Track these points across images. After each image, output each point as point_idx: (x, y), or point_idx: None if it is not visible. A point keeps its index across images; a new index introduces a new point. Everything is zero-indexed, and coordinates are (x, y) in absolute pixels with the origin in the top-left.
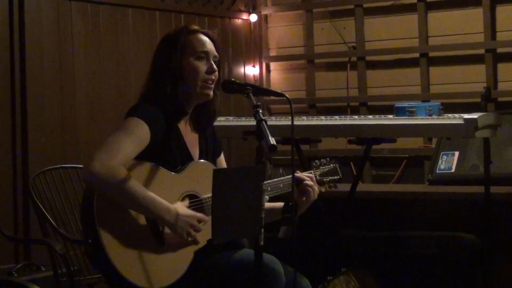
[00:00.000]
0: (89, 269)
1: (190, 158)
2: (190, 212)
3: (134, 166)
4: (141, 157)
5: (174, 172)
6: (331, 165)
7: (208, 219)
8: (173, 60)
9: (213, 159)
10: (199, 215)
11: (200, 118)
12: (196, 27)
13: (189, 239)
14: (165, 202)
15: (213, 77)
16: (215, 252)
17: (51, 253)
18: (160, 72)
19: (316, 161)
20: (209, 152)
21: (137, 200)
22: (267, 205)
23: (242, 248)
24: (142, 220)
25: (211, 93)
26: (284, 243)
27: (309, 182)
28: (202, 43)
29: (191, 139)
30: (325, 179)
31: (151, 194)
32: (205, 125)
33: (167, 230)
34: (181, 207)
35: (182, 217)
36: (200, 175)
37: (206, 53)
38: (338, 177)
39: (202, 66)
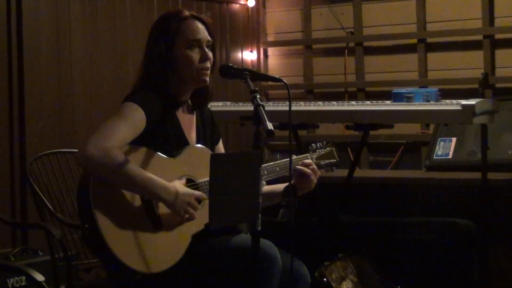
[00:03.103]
0: (87, 254)
1: (186, 143)
2: (188, 189)
3: (129, 151)
4: (137, 142)
5: (170, 157)
6: (328, 148)
7: (206, 198)
8: (163, 50)
9: (211, 146)
10: (197, 193)
11: (195, 99)
12: (187, 13)
13: (186, 216)
14: (162, 181)
15: (208, 65)
16: (212, 237)
17: (49, 238)
18: (152, 61)
19: (313, 144)
20: (207, 138)
21: (134, 180)
22: (268, 187)
23: (240, 233)
24: (138, 204)
25: (208, 79)
26: (282, 228)
27: (308, 171)
28: (194, 30)
29: (188, 124)
30: (321, 163)
31: (148, 173)
32: (200, 105)
33: (163, 214)
34: (179, 185)
35: (180, 195)
36: (196, 160)
37: (198, 41)
38: (335, 160)
39: (195, 55)
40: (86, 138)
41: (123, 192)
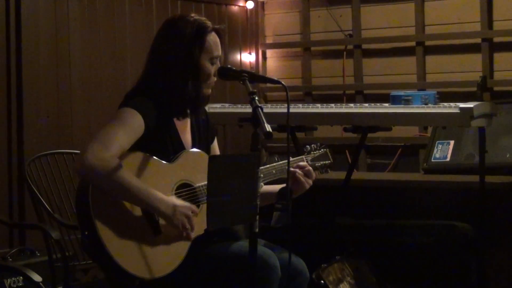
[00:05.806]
0: (84, 255)
1: (182, 147)
2: (186, 203)
3: (127, 156)
4: (134, 147)
5: (167, 162)
6: (322, 150)
7: (201, 210)
8: (194, 58)
9: (206, 146)
10: (193, 207)
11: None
12: (212, 25)
13: (184, 230)
14: (160, 194)
15: (215, 79)
16: (212, 243)
17: (46, 239)
18: (177, 65)
19: (307, 146)
20: (202, 139)
21: (132, 193)
22: (263, 188)
23: (239, 240)
24: (138, 210)
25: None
26: (279, 230)
27: (301, 177)
28: (217, 45)
29: (183, 127)
30: (316, 164)
31: (146, 186)
32: (193, 111)
33: (162, 220)
34: (176, 199)
35: (178, 208)
36: (193, 164)
37: (217, 58)
38: (329, 161)
39: (212, 70)
40: (85, 146)
41: None
